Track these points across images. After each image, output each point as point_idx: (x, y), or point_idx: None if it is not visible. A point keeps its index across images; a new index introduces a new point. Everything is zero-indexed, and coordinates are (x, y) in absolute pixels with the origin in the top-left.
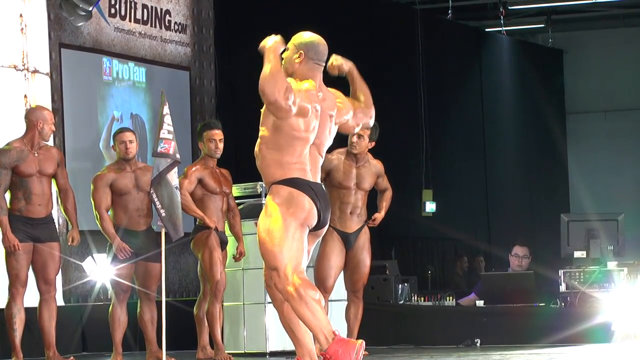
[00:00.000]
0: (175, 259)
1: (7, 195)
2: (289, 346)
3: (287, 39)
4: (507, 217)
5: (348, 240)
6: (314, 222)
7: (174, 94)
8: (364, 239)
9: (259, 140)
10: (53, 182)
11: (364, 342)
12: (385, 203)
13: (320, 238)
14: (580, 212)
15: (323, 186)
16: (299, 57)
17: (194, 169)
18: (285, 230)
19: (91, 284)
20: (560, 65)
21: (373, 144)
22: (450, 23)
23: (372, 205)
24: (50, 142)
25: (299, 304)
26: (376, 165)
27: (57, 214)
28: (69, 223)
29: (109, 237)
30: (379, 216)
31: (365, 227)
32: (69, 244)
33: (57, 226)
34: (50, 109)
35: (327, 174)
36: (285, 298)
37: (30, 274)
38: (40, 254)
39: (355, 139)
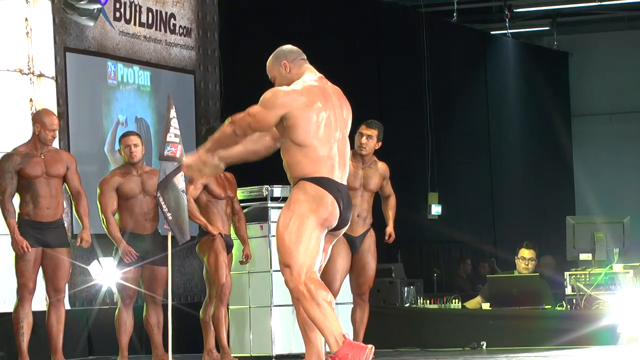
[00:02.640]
0: (180, 262)
1: (17, 200)
2: (295, 349)
3: (290, 41)
4: (512, 220)
5: (354, 244)
6: (335, 223)
7: (179, 98)
8: (370, 242)
9: (281, 151)
10: (65, 186)
11: (373, 347)
12: (391, 212)
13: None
14: (585, 214)
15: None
16: (284, 67)
17: None
18: (305, 227)
19: (97, 288)
20: (566, 68)
21: (380, 144)
22: (455, 26)
23: (376, 209)
24: (56, 146)
25: (310, 304)
26: (382, 167)
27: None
28: (80, 224)
29: (115, 240)
30: (390, 230)
31: (370, 231)
32: (77, 244)
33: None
34: (56, 113)
35: None
36: (295, 297)
37: (39, 278)
38: (50, 260)
39: (364, 140)
